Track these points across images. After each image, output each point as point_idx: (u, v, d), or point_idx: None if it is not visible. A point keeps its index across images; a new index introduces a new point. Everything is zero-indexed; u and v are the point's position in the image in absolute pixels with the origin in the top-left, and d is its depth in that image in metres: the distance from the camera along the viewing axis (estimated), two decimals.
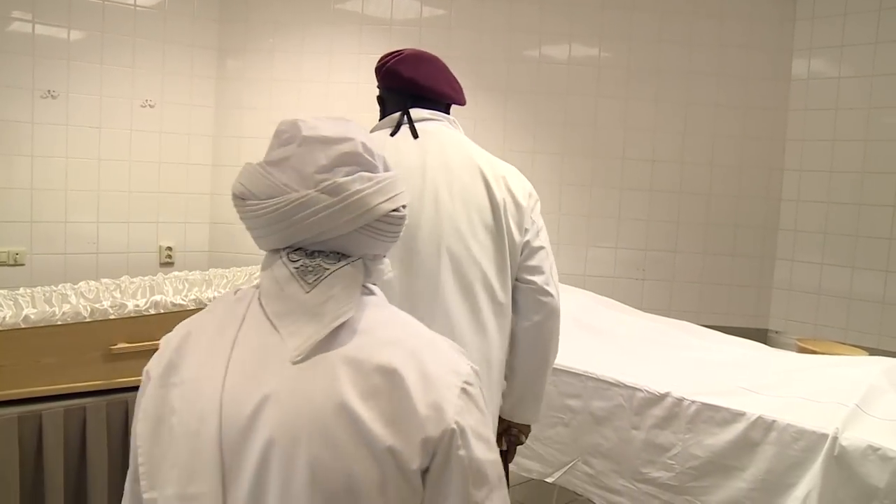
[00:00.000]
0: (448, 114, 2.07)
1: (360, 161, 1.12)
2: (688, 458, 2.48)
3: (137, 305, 2.44)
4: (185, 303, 2.50)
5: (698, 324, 3.48)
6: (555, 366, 2.87)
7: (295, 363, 1.02)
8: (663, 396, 2.58)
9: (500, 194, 1.92)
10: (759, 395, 2.49)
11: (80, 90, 4.14)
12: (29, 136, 4.04)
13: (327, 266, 1.10)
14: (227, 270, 3.15)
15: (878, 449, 2.08)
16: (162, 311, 2.46)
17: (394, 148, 1.88)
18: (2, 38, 3.96)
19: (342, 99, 4.61)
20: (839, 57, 4.40)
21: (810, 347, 3.75)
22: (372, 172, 1.11)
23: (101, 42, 4.20)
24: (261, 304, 1.10)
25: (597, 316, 3.33)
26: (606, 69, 4.65)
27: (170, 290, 2.98)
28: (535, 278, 1.96)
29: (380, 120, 2.10)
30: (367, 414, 0.99)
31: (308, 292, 1.08)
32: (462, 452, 1.00)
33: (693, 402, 2.51)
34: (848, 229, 4.39)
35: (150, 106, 4.15)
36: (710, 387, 2.58)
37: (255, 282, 1.18)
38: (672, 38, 4.62)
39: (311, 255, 1.11)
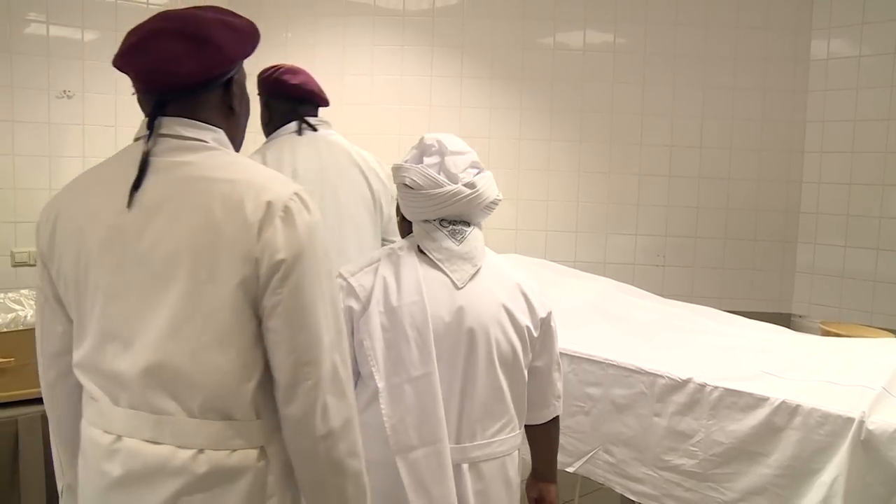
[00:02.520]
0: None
1: (478, 165, 1.97)
2: (711, 445, 2.45)
3: None
4: None
5: (720, 309, 3.44)
6: (575, 353, 2.86)
7: (460, 289, 1.88)
8: (685, 383, 2.54)
9: (376, 184, 2.78)
10: (783, 380, 2.45)
11: (96, 90, 4.16)
12: (46, 137, 4.07)
13: (465, 229, 1.93)
14: None
15: None
16: None
17: (294, 153, 2.69)
18: (17, 40, 3.99)
19: (356, 91, 4.60)
20: (859, 35, 4.33)
21: (834, 331, 3.70)
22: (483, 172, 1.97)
23: (115, 41, 4.08)
24: (424, 253, 1.91)
25: (616, 302, 3.29)
26: (622, 55, 4.60)
27: None
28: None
29: (265, 124, 2.84)
30: (514, 307, 1.94)
31: (459, 245, 1.91)
32: (553, 325, 2.06)
33: (715, 387, 2.47)
34: (871, 210, 4.32)
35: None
36: (733, 372, 2.54)
37: (401, 244, 1.97)
38: (688, 21, 4.56)
39: (452, 223, 1.93)
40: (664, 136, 4.62)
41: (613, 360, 2.76)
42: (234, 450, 1.35)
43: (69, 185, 1.49)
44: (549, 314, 2.03)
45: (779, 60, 4.55)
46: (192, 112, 1.42)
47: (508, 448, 1.96)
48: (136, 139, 1.43)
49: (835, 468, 2.13)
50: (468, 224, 1.94)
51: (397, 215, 2.07)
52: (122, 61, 1.40)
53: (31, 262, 4.03)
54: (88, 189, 1.44)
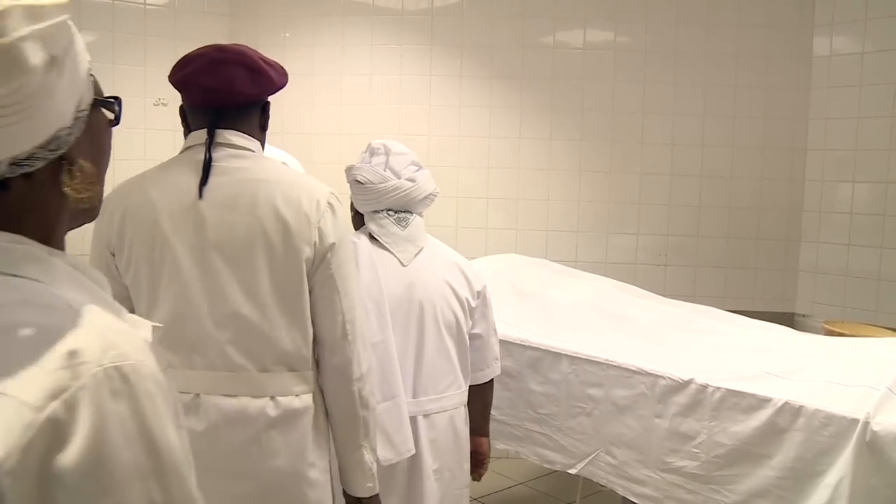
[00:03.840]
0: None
1: (417, 163, 2.35)
2: (713, 447, 2.42)
3: None
4: None
5: (723, 309, 3.41)
6: (576, 354, 2.84)
7: (405, 266, 2.26)
8: (687, 383, 2.52)
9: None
10: (786, 380, 2.42)
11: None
12: None
13: (408, 217, 2.31)
14: None
15: None
16: None
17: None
18: None
19: (355, 91, 4.57)
20: (862, 31, 4.29)
21: (838, 330, 3.66)
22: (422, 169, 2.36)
23: (112, 42, 4.19)
24: (375, 238, 2.28)
25: (617, 303, 3.26)
26: (623, 53, 4.57)
27: None
28: None
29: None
30: (454, 282, 2.33)
31: (404, 230, 2.29)
32: (489, 296, 2.44)
33: (717, 388, 2.45)
34: (875, 208, 4.28)
35: (164, 104, 4.13)
36: (735, 372, 2.51)
37: (356, 234, 2.29)
38: (689, 18, 4.52)
39: (397, 212, 2.30)
40: (665, 135, 4.59)
41: (614, 360, 2.74)
42: (298, 394, 1.72)
43: (134, 184, 1.74)
44: (485, 287, 2.44)
45: (781, 57, 4.52)
46: (241, 127, 1.74)
47: (456, 403, 2.34)
48: (189, 147, 1.73)
49: (839, 470, 2.10)
50: (410, 213, 2.34)
51: (351, 211, 2.38)
52: (189, 81, 1.70)
53: None
54: (157, 187, 1.70)
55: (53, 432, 0.67)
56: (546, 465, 2.96)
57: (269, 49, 4.60)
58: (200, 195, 1.66)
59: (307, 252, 1.68)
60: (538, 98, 4.59)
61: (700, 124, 4.58)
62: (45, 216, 0.84)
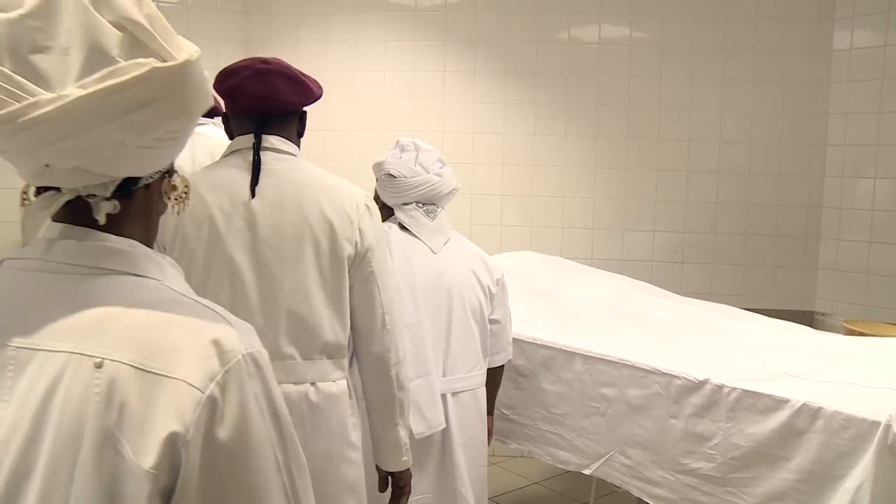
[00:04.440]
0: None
1: (442, 161, 2.55)
2: (729, 448, 2.37)
3: None
4: None
5: (740, 307, 3.35)
6: (589, 353, 2.80)
7: (436, 254, 2.46)
8: (702, 383, 2.47)
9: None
10: (804, 381, 2.36)
11: None
12: None
13: (436, 209, 2.51)
14: None
15: None
16: None
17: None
18: None
19: (369, 87, 4.55)
20: (884, 24, 4.21)
21: (858, 329, 3.59)
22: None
23: None
24: (406, 229, 2.47)
25: (632, 301, 3.22)
26: (638, 48, 4.51)
27: None
28: None
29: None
30: (478, 270, 2.52)
31: (433, 221, 2.49)
32: (506, 283, 2.66)
33: (734, 388, 2.40)
34: None
35: None
36: (752, 372, 2.46)
37: (387, 224, 2.39)
38: (705, 12, 4.46)
39: (425, 205, 2.49)
40: (682, 131, 4.53)
41: (628, 360, 2.70)
42: (335, 380, 1.85)
43: None
44: (502, 275, 2.65)
45: (800, 51, 4.44)
46: (283, 133, 1.88)
47: (479, 383, 2.56)
48: (234, 150, 1.86)
49: (860, 474, 2.05)
50: (436, 206, 2.53)
51: (378, 202, 2.45)
52: (238, 90, 1.83)
53: None
54: (208, 187, 1.80)
55: (213, 409, 0.82)
56: (560, 466, 2.92)
57: (282, 46, 4.62)
58: (253, 194, 1.79)
59: (349, 250, 1.83)
60: (553, 94, 4.54)
61: (717, 120, 4.52)
62: (150, 222, 1.00)
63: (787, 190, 4.52)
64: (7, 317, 0.86)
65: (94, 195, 0.89)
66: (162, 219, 1.63)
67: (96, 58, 0.82)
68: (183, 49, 0.89)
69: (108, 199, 0.90)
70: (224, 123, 1.96)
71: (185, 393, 0.81)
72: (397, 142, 2.55)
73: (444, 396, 2.43)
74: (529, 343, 2.93)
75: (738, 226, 4.55)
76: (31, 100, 0.78)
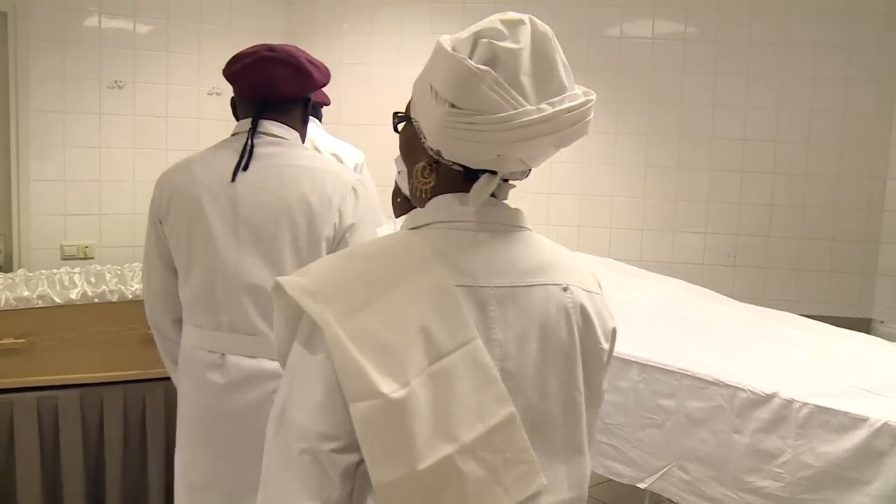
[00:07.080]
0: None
1: None
2: (799, 467, 2.24)
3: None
4: None
5: (795, 313, 3.21)
6: (646, 362, 2.67)
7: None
8: (770, 397, 2.34)
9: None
10: (881, 397, 2.23)
11: (147, 80, 4.10)
12: (97, 128, 4.02)
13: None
14: None
15: None
16: None
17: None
18: (71, 31, 3.96)
19: (413, 80, 4.45)
20: None
21: None
22: None
23: (167, 30, 4.15)
24: None
25: (690, 307, 3.09)
26: (693, 44, 4.38)
27: None
28: None
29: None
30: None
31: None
32: None
33: (805, 404, 2.26)
34: None
35: (218, 94, 4.05)
36: (823, 387, 2.33)
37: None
38: (763, 7, 4.32)
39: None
40: (737, 130, 4.40)
41: (689, 370, 2.57)
42: None
43: (182, 165, 1.97)
44: None
45: (863, 48, 4.27)
46: (282, 118, 1.94)
47: None
48: (235, 133, 1.95)
49: None
50: None
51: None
52: (239, 75, 1.91)
53: (80, 256, 4.01)
54: (202, 167, 1.91)
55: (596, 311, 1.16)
56: (613, 478, 2.80)
57: (326, 38, 4.54)
58: (233, 177, 1.86)
59: (327, 231, 1.87)
60: (604, 91, 4.40)
61: (774, 118, 4.37)
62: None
63: (846, 192, 4.36)
64: (470, 264, 1.08)
65: (506, 179, 1.15)
66: (158, 194, 1.97)
67: (558, 86, 1.08)
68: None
69: (505, 181, 1.16)
70: (232, 107, 2.03)
71: (601, 302, 1.17)
72: None
73: None
74: None
75: (793, 229, 4.41)
76: (520, 109, 1.03)
